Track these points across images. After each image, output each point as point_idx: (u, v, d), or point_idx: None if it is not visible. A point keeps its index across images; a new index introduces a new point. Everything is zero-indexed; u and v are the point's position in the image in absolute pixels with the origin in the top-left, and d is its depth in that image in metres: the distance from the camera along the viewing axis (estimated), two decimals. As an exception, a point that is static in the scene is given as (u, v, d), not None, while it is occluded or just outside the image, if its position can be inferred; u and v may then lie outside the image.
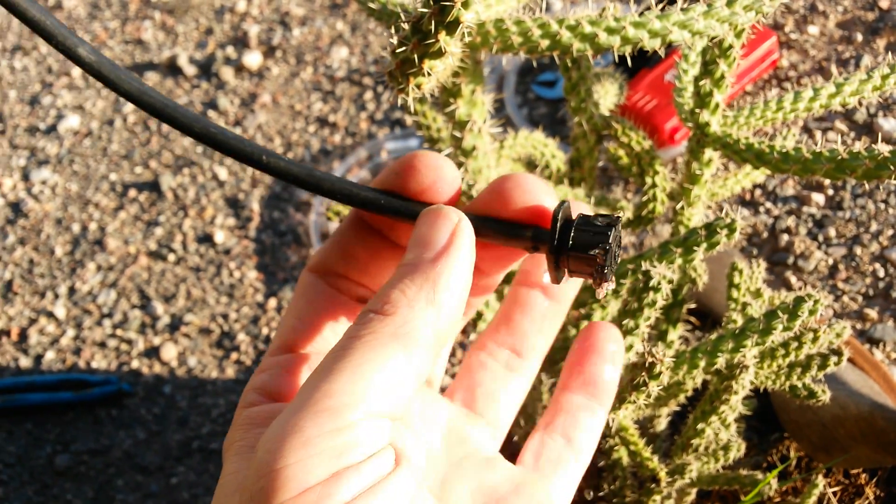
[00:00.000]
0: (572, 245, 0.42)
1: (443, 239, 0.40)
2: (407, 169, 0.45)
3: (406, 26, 0.45)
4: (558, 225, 0.42)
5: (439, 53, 0.44)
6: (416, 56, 0.45)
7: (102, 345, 1.87)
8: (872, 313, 1.50)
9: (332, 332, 0.48)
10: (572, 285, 0.53)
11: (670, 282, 0.67)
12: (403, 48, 0.45)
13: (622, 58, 1.83)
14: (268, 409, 0.44)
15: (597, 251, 0.41)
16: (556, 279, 0.44)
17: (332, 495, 0.34)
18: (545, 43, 0.61)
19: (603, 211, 0.80)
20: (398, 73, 0.47)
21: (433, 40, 0.43)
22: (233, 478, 0.39)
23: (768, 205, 1.70)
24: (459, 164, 0.74)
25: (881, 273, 1.55)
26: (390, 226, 0.48)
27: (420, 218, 0.42)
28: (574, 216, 0.44)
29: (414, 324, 0.38)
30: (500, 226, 0.44)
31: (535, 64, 1.33)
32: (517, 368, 0.52)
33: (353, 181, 0.45)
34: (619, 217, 0.43)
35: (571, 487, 0.48)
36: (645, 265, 0.67)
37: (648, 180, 0.82)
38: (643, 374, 0.57)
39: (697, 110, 0.79)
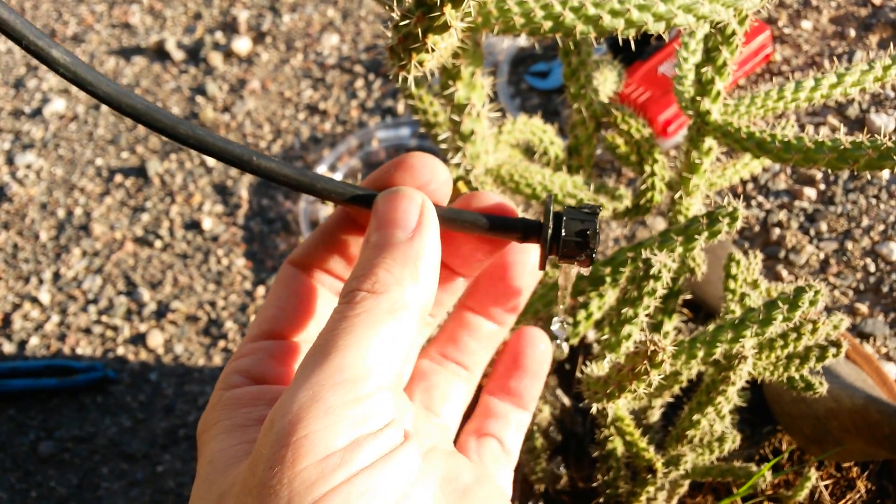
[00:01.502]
0: (566, 236, 0.46)
1: (413, 218, 0.43)
2: (401, 167, 0.47)
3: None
4: (550, 218, 0.46)
5: (444, 28, 0.43)
6: (419, 30, 0.43)
7: (87, 331, 1.85)
8: (863, 308, 1.50)
9: (315, 322, 0.50)
10: (513, 316, 0.57)
11: (670, 270, 0.66)
12: (407, 22, 0.44)
13: (617, 49, 1.81)
14: (254, 391, 0.45)
15: (586, 240, 0.46)
16: (544, 265, 0.48)
17: (353, 460, 0.36)
18: (548, 24, 0.60)
19: (602, 199, 0.79)
20: (400, 49, 0.46)
21: (438, 13, 0.42)
22: (223, 454, 0.41)
23: (760, 198, 1.70)
24: (457, 149, 0.73)
25: (872, 268, 1.55)
26: None
27: (383, 198, 0.44)
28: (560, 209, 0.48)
29: (404, 300, 0.41)
30: (488, 220, 0.47)
31: (535, 47, 1.31)
32: (465, 377, 0.55)
33: (345, 181, 0.46)
34: (598, 206, 0.48)
35: (510, 481, 0.54)
36: (645, 253, 0.66)
37: (647, 168, 0.81)
38: (644, 362, 0.56)
39: (698, 98, 0.78)
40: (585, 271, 0.50)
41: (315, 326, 0.49)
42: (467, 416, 0.57)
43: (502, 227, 0.48)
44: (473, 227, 0.47)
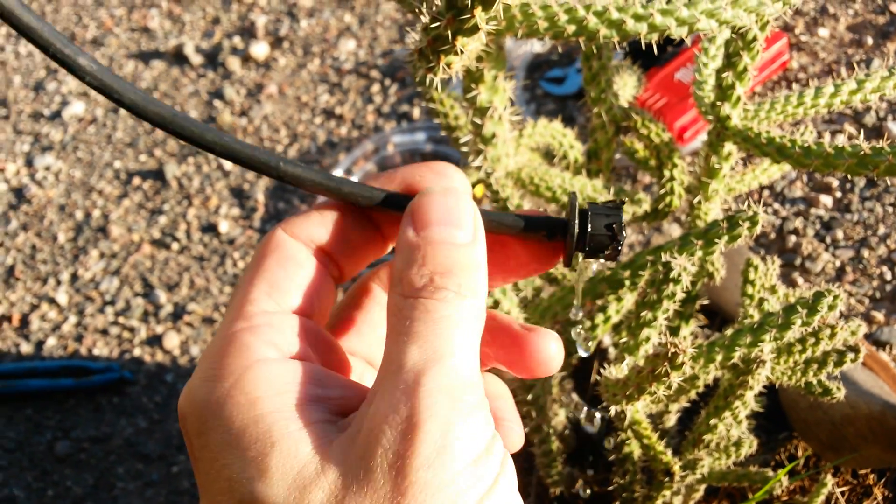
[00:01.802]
0: (592, 231, 0.46)
1: (470, 220, 0.43)
2: (433, 171, 0.46)
3: (440, 2, 0.44)
4: (576, 214, 0.46)
5: (474, 30, 0.44)
6: (449, 32, 0.44)
7: (104, 332, 1.86)
8: (879, 316, 1.50)
9: (324, 303, 0.48)
10: None
11: (690, 274, 0.66)
12: (437, 24, 0.44)
13: (634, 55, 1.81)
14: (295, 367, 0.42)
15: (613, 235, 0.46)
16: (569, 262, 0.48)
17: (492, 464, 0.37)
18: (571, 28, 0.60)
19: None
20: (429, 51, 0.46)
21: (469, 16, 0.43)
22: (307, 432, 0.39)
23: (776, 206, 1.70)
24: (479, 152, 0.74)
25: (888, 276, 1.54)
26: (393, 223, 0.49)
27: (439, 194, 0.44)
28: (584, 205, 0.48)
29: (480, 306, 0.42)
30: (512, 219, 0.48)
31: (558, 48, 1.31)
32: None
33: (372, 185, 0.46)
34: (623, 199, 0.48)
35: None
36: (665, 256, 0.66)
37: (667, 173, 0.81)
38: (665, 364, 0.56)
39: (718, 103, 0.78)
40: (611, 265, 0.50)
41: (322, 307, 0.48)
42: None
43: (528, 225, 0.48)
44: (500, 227, 0.47)
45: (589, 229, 0.47)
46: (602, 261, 0.48)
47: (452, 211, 0.43)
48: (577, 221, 0.47)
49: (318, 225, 0.48)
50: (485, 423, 0.39)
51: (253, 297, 0.45)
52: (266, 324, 0.44)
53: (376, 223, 0.49)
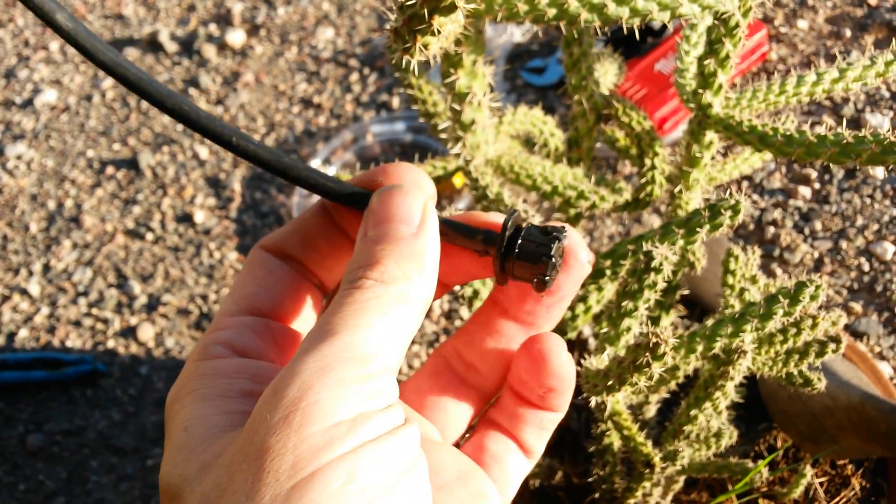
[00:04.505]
0: (517, 254, 0.44)
1: (417, 214, 0.44)
2: (388, 175, 0.47)
3: (417, -21, 0.42)
4: (507, 233, 0.44)
5: (451, 9, 0.42)
6: (425, 11, 0.43)
7: (77, 324, 1.83)
8: (857, 307, 1.50)
9: (294, 304, 0.50)
10: (547, 316, 0.51)
11: (671, 263, 0.65)
12: (413, 2, 0.43)
13: (614, 45, 1.80)
14: (237, 363, 0.45)
15: (539, 263, 0.44)
16: (501, 281, 0.46)
17: (360, 431, 0.37)
18: (552, 12, 0.59)
19: (603, 192, 0.78)
20: (405, 31, 0.45)
21: (446, -7, 0.41)
22: (201, 422, 0.41)
23: (755, 197, 1.70)
24: (457, 139, 0.72)
25: (866, 267, 1.55)
26: (354, 225, 0.49)
27: (386, 193, 0.45)
28: (525, 225, 0.46)
29: (411, 293, 0.42)
30: (456, 227, 0.46)
31: (539, 34, 1.30)
32: (474, 382, 0.52)
33: (319, 170, 0.46)
34: (564, 228, 0.45)
35: (518, 480, 0.50)
36: (647, 245, 0.65)
37: (648, 162, 0.80)
38: (646, 354, 0.55)
39: (700, 91, 0.77)
40: (538, 296, 0.46)
41: (294, 308, 0.50)
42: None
43: (464, 234, 0.46)
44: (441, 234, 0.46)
45: (515, 253, 0.44)
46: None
47: (395, 207, 0.44)
48: (506, 243, 0.44)
49: (287, 237, 0.50)
50: (366, 395, 0.38)
51: (225, 307, 0.48)
52: (224, 328, 0.47)
53: (344, 230, 0.50)
